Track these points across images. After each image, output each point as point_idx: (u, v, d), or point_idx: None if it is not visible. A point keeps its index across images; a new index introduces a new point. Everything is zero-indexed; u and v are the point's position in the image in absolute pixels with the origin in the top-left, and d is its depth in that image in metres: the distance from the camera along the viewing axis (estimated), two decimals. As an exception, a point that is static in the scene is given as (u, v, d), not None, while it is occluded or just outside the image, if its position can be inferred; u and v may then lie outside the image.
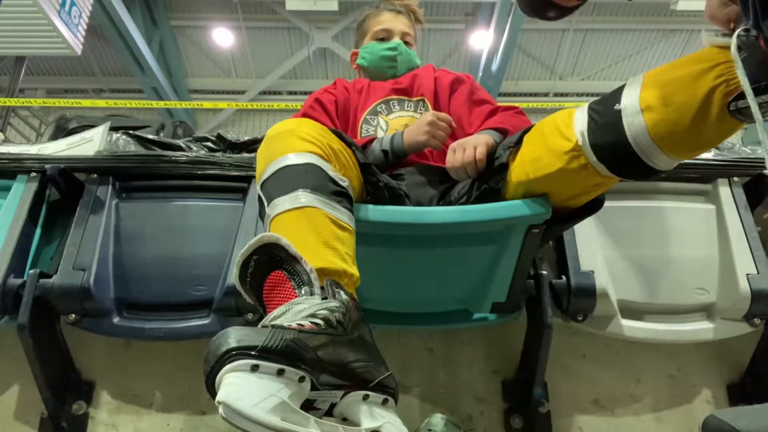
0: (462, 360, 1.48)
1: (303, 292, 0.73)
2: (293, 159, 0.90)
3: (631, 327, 1.34)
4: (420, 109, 1.40)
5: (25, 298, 1.24)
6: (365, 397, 0.72)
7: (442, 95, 1.43)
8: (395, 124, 1.36)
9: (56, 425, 1.32)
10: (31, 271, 1.27)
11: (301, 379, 0.64)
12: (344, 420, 0.71)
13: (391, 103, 1.41)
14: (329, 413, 0.70)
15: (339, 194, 0.90)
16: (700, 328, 1.35)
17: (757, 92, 0.75)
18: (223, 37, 7.90)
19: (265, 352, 0.62)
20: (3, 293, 1.25)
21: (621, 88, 0.91)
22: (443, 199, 1.18)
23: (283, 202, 0.86)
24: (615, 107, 0.89)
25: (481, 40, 7.44)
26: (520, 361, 1.44)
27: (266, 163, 0.92)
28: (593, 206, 1.07)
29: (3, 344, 1.38)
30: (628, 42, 7.99)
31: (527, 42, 8.00)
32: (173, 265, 1.35)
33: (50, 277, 1.28)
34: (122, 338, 1.40)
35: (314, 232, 0.83)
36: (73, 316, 1.29)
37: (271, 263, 0.75)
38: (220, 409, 0.59)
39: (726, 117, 0.80)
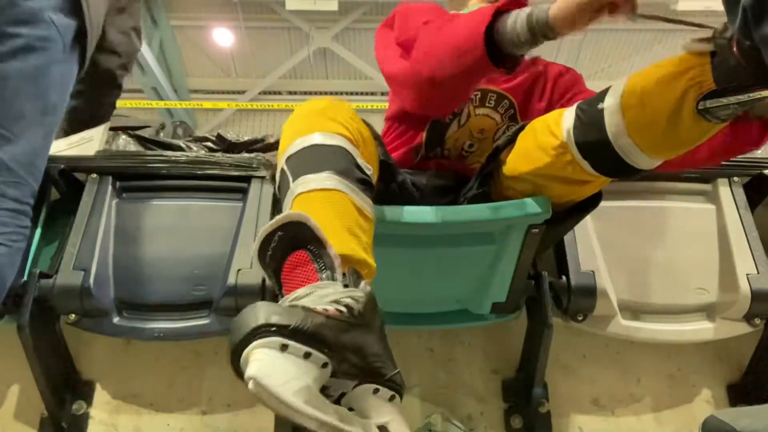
0: (462, 360, 1.48)
1: (324, 276, 0.72)
2: (323, 139, 0.87)
3: (631, 327, 1.35)
4: (500, 109, 1.27)
5: (25, 298, 1.23)
6: (375, 391, 0.72)
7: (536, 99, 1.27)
8: (474, 124, 1.25)
9: (56, 425, 1.32)
10: (31, 271, 1.27)
11: (324, 365, 0.64)
12: (350, 410, 0.70)
13: (489, 95, 1.26)
14: (337, 402, 0.70)
15: (364, 182, 0.88)
16: (700, 328, 1.35)
17: (724, 93, 0.77)
18: (223, 37, 7.89)
19: (296, 333, 0.62)
20: (3, 293, 1.25)
21: (608, 89, 0.92)
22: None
23: (309, 181, 0.83)
24: (599, 106, 0.90)
25: (481, 40, 7.42)
26: (520, 361, 1.44)
27: (294, 138, 0.89)
28: (590, 204, 1.07)
29: (3, 344, 1.37)
30: (628, 42, 7.97)
31: (527, 42, 7.99)
32: (173, 265, 1.35)
33: (50, 277, 1.27)
34: (122, 338, 1.40)
35: (339, 217, 0.81)
36: (73, 316, 1.29)
37: (295, 242, 0.74)
38: (250, 384, 0.58)
39: (699, 118, 0.81)
